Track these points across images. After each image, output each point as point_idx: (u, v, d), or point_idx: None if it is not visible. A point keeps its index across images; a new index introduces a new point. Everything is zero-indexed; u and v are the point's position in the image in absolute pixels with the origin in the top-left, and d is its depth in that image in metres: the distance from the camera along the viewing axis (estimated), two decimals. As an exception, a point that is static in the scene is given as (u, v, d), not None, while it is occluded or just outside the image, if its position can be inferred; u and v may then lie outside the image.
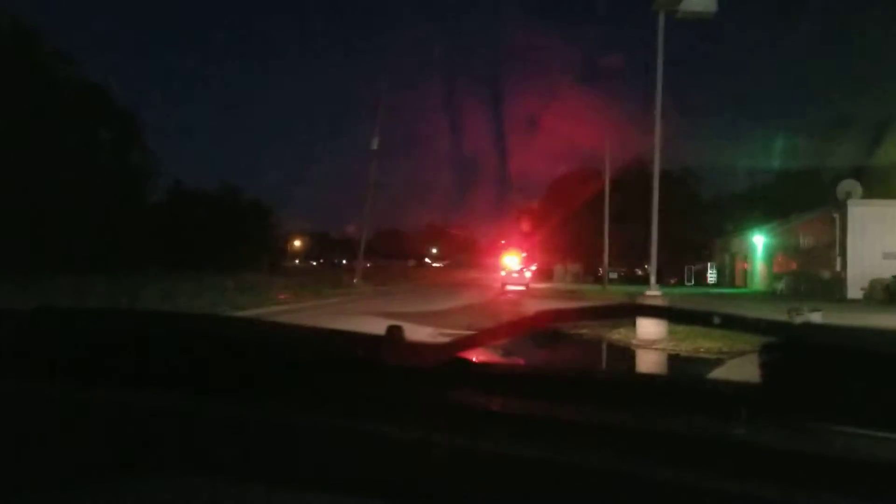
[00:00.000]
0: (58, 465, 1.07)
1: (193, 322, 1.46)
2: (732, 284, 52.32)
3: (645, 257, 18.55)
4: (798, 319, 11.04)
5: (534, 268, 52.49)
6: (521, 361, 1.26)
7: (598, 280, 49.70)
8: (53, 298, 16.52)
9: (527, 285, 38.81)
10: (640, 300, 13.82)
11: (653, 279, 15.40)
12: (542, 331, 1.15)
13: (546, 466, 0.92)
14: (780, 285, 38.78)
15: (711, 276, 58.22)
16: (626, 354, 11.47)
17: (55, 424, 1.14)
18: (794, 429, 0.96)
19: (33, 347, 1.32)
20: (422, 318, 15.60)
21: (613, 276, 53.00)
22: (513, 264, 42.69)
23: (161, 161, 49.44)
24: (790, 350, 1.00)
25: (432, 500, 0.93)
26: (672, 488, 0.86)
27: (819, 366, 0.96)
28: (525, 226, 71.20)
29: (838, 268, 32.88)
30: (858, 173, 36.39)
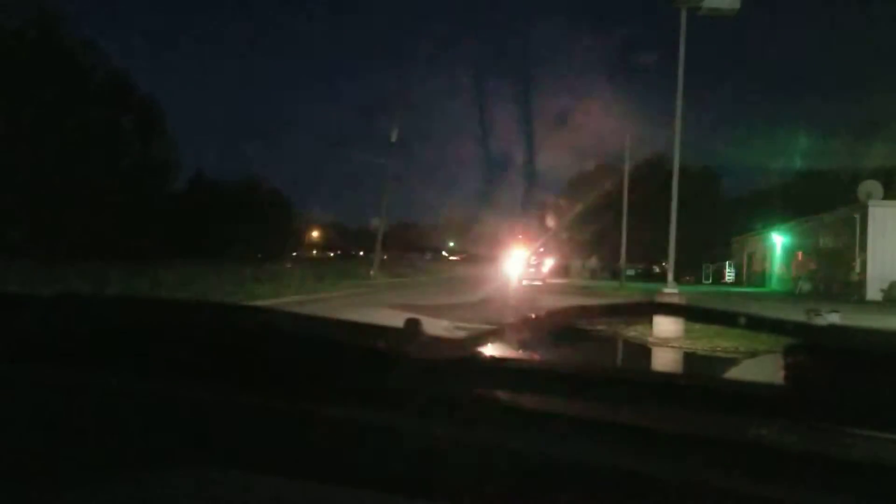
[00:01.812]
0: (77, 453, 1.07)
1: (212, 311, 1.46)
2: (750, 284, 51.95)
3: (662, 254, 18.49)
4: (816, 320, 10.98)
5: (551, 263, 52.41)
6: (537, 357, 1.25)
7: (615, 276, 49.51)
8: (74, 285, 16.67)
9: (543, 280, 38.76)
10: (657, 298, 13.77)
11: (670, 277, 15.35)
12: (559, 327, 1.13)
13: (563, 464, 0.92)
14: (799, 285, 38.52)
15: (729, 274, 57.86)
16: (642, 352, 11.44)
17: (75, 412, 1.15)
18: (818, 431, 0.95)
19: (55, 334, 1.32)
20: (438, 311, 15.62)
21: (631, 272, 52.73)
22: (527, 259, 42.58)
23: (182, 151, 49.85)
24: (815, 352, 0.99)
25: (451, 495, 0.93)
26: (690, 490, 0.86)
27: (844, 368, 0.95)
28: (543, 221, 71.03)
29: (858, 269, 32.62)
30: (879, 174, 36.07)
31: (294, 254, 58.43)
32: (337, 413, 1.04)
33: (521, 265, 41.38)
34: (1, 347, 1.27)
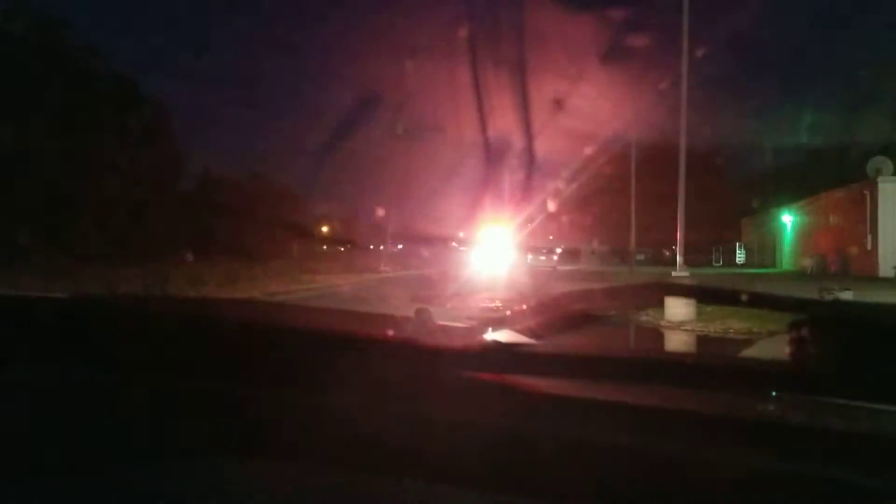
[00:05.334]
0: (92, 448, 1.09)
1: (223, 307, 1.47)
2: (761, 264, 51.63)
3: (671, 238, 18.42)
4: (829, 298, 10.91)
5: (560, 250, 52.27)
6: (549, 343, 1.26)
7: (625, 261, 49.31)
8: (85, 286, 16.71)
9: (554, 267, 38.71)
10: (668, 281, 13.73)
11: (680, 259, 15.31)
12: (569, 312, 1.15)
13: (572, 445, 0.93)
14: (810, 264, 38.26)
15: (740, 255, 57.48)
16: (654, 336, 11.39)
17: (91, 409, 1.16)
18: (821, 405, 0.96)
19: (70, 334, 1.33)
20: (447, 300, 15.60)
21: (640, 257, 52.45)
22: (537, 246, 42.32)
23: (190, 150, 49.82)
24: (818, 327, 0.99)
25: (460, 478, 0.94)
26: (704, 467, 0.87)
27: (847, 342, 0.96)
28: (552, 208, 70.57)
29: (869, 246, 32.40)
30: (889, 150, 35.73)
31: (305, 248, 58.27)
32: (347, 402, 1.05)
33: (531, 252, 41.23)
34: (17, 350, 1.28)
